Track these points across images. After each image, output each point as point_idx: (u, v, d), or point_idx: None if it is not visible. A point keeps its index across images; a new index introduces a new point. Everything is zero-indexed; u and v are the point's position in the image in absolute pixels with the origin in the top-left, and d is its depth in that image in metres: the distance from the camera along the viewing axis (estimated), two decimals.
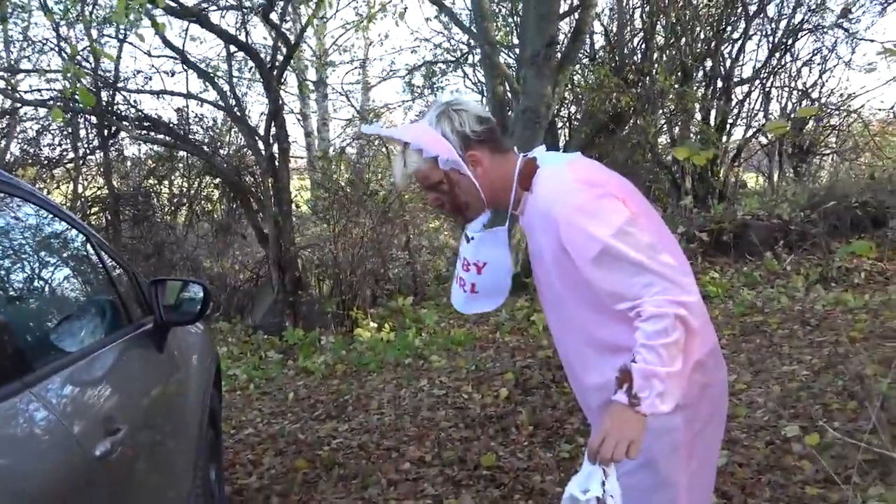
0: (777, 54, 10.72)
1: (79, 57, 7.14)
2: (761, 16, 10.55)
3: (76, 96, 3.80)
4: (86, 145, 9.00)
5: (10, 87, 8.05)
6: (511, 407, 4.09)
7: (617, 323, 1.53)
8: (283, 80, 8.14)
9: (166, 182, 9.68)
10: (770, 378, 4.11)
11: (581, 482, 1.41)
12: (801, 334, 4.97)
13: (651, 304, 1.43)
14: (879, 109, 11.61)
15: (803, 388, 3.84)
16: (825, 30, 10.63)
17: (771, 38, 10.70)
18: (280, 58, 7.22)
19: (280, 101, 7.41)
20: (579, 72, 10.35)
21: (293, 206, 8.37)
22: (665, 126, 10.48)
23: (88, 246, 2.25)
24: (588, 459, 1.42)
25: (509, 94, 7.90)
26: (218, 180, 8.99)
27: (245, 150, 8.34)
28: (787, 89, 11.53)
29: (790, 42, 10.75)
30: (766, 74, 10.88)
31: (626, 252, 1.46)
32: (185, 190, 9.69)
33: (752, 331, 5.22)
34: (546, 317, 1.79)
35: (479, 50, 9.46)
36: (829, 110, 11.37)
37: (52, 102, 7.20)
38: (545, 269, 1.64)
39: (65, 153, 8.81)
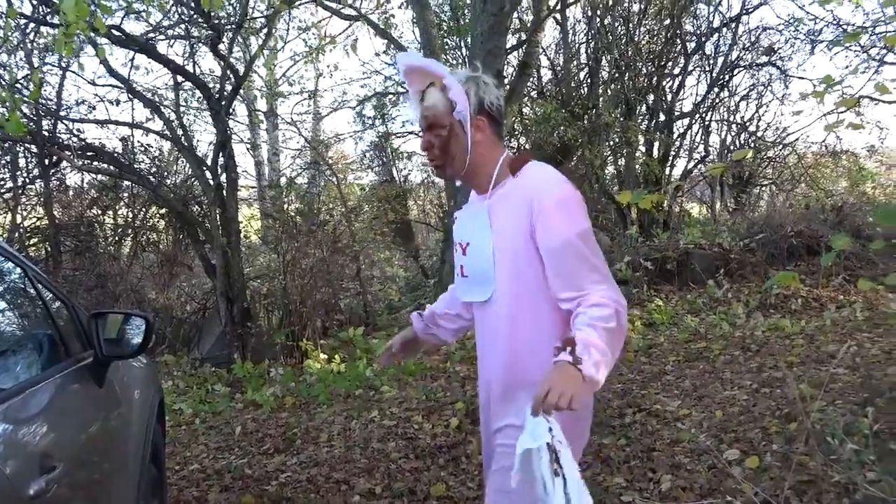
0: (715, 89, 11.18)
1: (18, 85, 6.98)
2: (699, 52, 11.02)
3: (6, 119, 3.70)
4: (25, 174, 8.74)
5: None
6: (461, 436, 4.09)
7: (559, 316, 1.70)
8: (231, 111, 8.09)
9: (110, 212, 9.44)
10: (712, 403, 4.22)
11: (528, 437, 1.49)
12: (742, 360, 5.12)
13: (596, 294, 1.63)
14: (813, 143, 12.16)
15: (744, 412, 3.96)
16: (759, 67, 11.14)
17: (709, 74, 11.16)
18: (228, 88, 7.19)
19: (228, 132, 7.35)
20: (528, 104, 10.58)
21: (242, 236, 8.26)
22: (610, 157, 10.77)
23: (26, 279, 2.19)
24: (531, 413, 1.50)
25: None
26: (164, 210, 8.82)
27: (192, 180, 8.22)
28: (725, 122, 12.01)
29: (727, 78, 11.22)
30: (705, 108, 11.32)
31: (586, 252, 1.66)
32: (129, 220, 9.46)
33: (696, 357, 5.35)
34: (489, 312, 1.81)
35: None
36: (765, 144, 11.86)
37: None
38: (505, 246, 1.73)
39: (2, 182, 8.53)
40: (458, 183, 1.91)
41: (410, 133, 13.21)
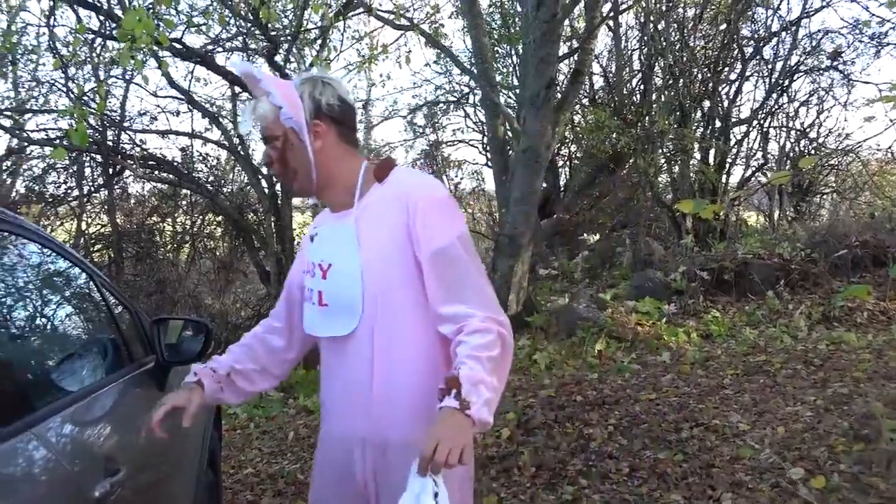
0: (774, 95, 10.88)
1: (85, 97, 7.25)
2: (757, 57, 10.75)
3: (74, 130, 3.83)
4: (90, 183, 9.09)
5: (17, 127, 8.15)
6: (513, 448, 4.05)
7: (436, 335, 1.51)
8: None
9: (169, 220, 9.74)
10: (774, 419, 4.07)
11: (412, 499, 1.29)
12: (805, 374, 4.94)
13: (476, 319, 1.44)
14: (878, 149, 11.72)
15: (808, 429, 3.80)
16: (820, 71, 10.80)
17: (768, 80, 10.87)
18: None
19: None
20: (579, 112, 10.49)
21: (296, 243, 8.40)
22: (665, 165, 10.58)
23: (91, 284, 2.26)
24: (417, 472, 1.30)
25: (510, 135, 7.99)
26: (221, 218, 9.05)
27: (248, 188, 8.40)
28: (784, 129, 11.68)
29: (787, 83, 10.92)
30: (763, 115, 11.04)
31: (466, 257, 1.49)
32: (187, 227, 9.75)
33: (756, 370, 5.18)
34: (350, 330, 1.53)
35: (479, 90, 9.60)
36: (827, 151, 11.49)
37: (58, 141, 7.28)
38: (374, 263, 1.50)
39: (69, 191, 8.89)
40: (311, 201, 1.69)
41: (461, 141, 13.26)
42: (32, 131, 8.42)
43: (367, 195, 1.56)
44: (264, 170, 7.36)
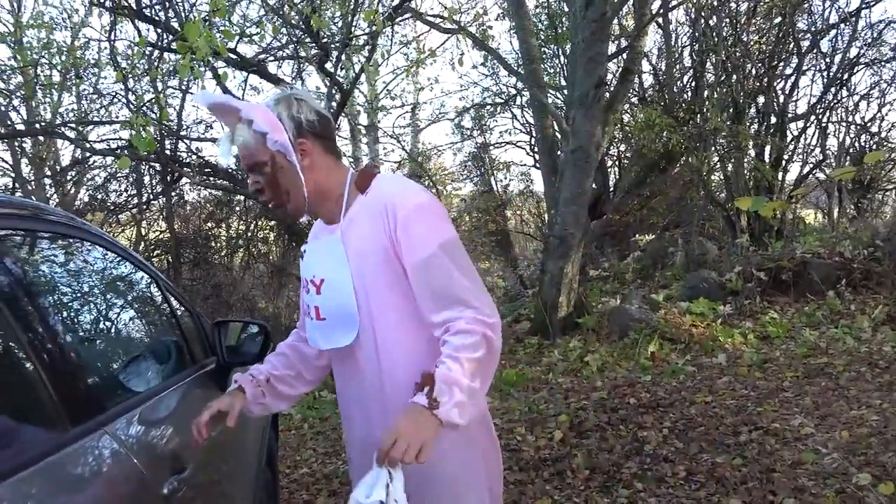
0: (833, 89, 10.55)
1: (145, 107, 7.50)
2: (814, 51, 10.43)
3: (141, 136, 3.96)
4: (149, 191, 9.39)
5: (81, 138, 8.48)
6: (566, 450, 4.02)
7: (428, 343, 1.50)
8: (337, 126, 8.35)
9: (224, 225, 9.99)
10: (837, 423, 3.94)
11: (366, 488, 1.31)
12: (870, 377, 4.77)
13: (463, 320, 1.43)
14: None
15: (874, 433, 3.67)
16: (882, 63, 10.42)
17: (825, 73, 10.54)
18: (334, 104, 7.44)
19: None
20: (629, 111, 10.35)
21: None
22: (718, 163, 10.35)
23: (154, 288, 2.33)
24: (376, 462, 1.32)
25: (558, 135, 7.93)
26: (273, 223, 9.23)
27: None
28: (844, 124, 11.30)
29: (846, 77, 10.57)
30: (821, 110, 10.70)
31: (451, 264, 1.47)
32: (241, 232, 9.98)
33: (817, 373, 5.03)
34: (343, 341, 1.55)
35: (526, 92, 9.57)
36: (890, 145, 11.07)
37: (119, 151, 7.56)
38: (365, 275, 1.51)
39: (130, 199, 9.20)
40: (304, 219, 1.65)
41: (509, 143, 13.23)
42: (95, 142, 8.76)
43: (351, 207, 1.57)
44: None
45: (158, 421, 1.79)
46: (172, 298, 2.40)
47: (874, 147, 11.01)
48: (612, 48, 8.52)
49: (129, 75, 7.64)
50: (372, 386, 1.55)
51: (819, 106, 10.60)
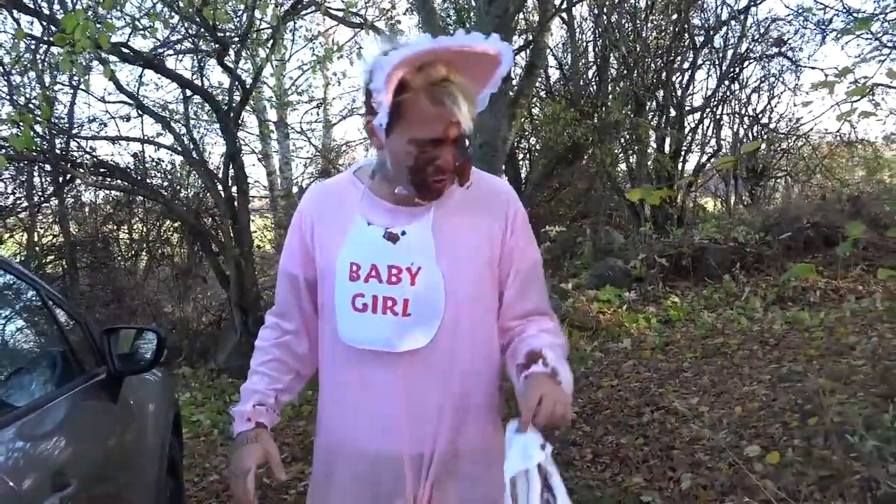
0: (726, 82, 11.10)
1: (30, 104, 7.07)
2: (708, 46, 10.95)
3: (18, 135, 3.73)
4: (40, 193, 8.86)
5: None
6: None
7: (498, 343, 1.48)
8: (240, 122, 8.13)
9: (125, 227, 9.55)
10: (732, 399, 4.17)
11: (518, 457, 1.21)
12: (761, 354, 5.07)
13: (548, 318, 1.48)
14: (827, 133, 12.05)
15: (764, 407, 3.91)
16: (769, 58, 11.05)
17: (719, 67, 11.08)
18: (237, 100, 7.23)
19: (238, 143, 7.40)
20: (537, 105, 10.55)
21: (255, 246, 8.31)
22: (622, 155, 10.72)
23: (38, 298, 2.21)
24: (515, 431, 1.24)
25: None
26: (177, 224, 8.89)
27: (205, 192, 8.28)
28: (737, 116, 11.93)
29: (737, 70, 11.15)
30: (716, 102, 11.26)
31: (542, 274, 1.51)
32: (144, 234, 9.56)
33: (714, 353, 5.30)
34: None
35: None
36: (778, 135, 11.77)
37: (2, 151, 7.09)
38: (461, 260, 1.39)
39: (18, 202, 8.64)
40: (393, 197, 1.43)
41: None
42: None
43: (449, 195, 1.41)
44: (220, 173, 7.26)
45: (42, 435, 1.70)
46: (57, 308, 2.28)
47: (765, 137, 11.69)
48: (518, 43, 8.67)
49: (12, 70, 7.18)
50: (434, 394, 1.38)
51: (713, 99, 11.15)
